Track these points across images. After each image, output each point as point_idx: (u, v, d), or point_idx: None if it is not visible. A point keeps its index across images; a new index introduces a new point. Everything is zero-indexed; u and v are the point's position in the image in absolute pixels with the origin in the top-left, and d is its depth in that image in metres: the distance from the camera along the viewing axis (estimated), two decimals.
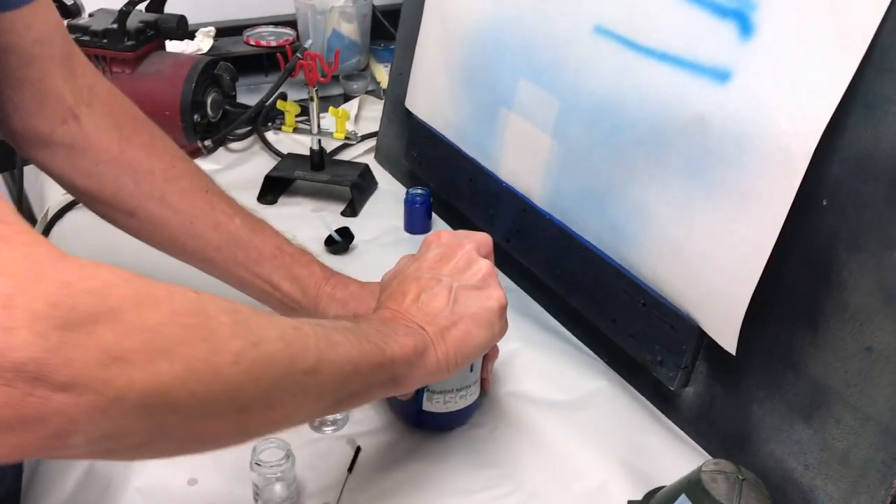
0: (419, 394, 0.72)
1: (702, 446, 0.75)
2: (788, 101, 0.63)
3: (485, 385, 0.76)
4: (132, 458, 0.46)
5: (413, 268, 0.66)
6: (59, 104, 0.74)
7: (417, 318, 0.62)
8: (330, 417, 0.74)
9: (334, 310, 0.76)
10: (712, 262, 0.69)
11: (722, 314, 0.69)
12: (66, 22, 1.21)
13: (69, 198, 1.06)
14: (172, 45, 1.31)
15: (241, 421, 0.45)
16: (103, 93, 0.78)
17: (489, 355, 0.75)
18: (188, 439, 0.44)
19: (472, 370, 0.71)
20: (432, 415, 0.73)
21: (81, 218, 1.04)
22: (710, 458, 0.70)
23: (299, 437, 0.72)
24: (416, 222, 1.05)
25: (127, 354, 0.37)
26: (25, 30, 0.70)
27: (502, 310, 0.66)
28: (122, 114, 0.78)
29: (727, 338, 0.69)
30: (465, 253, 0.67)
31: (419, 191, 1.04)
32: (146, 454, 0.44)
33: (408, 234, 1.05)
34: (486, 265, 0.67)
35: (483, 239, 0.69)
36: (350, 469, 0.70)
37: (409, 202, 1.03)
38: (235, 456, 0.68)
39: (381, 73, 1.43)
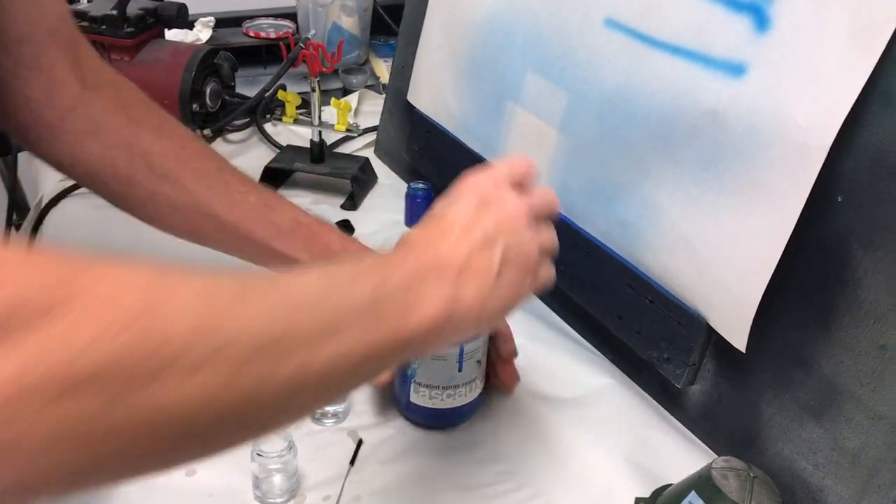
0: (408, 383, 0.71)
1: (708, 445, 0.74)
2: (805, 95, 0.62)
3: (508, 387, 0.77)
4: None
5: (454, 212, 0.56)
6: (68, 91, 0.73)
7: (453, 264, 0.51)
8: (331, 409, 0.73)
9: None
10: (724, 259, 0.68)
11: (732, 311, 0.68)
12: None
13: (63, 185, 1.04)
14: (171, 35, 1.30)
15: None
16: (108, 77, 0.76)
17: (507, 361, 0.75)
18: None
19: (460, 370, 0.70)
20: (419, 408, 0.72)
21: (76, 206, 1.02)
22: (716, 456, 0.69)
23: (300, 429, 0.71)
24: (418, 217, 1.03)
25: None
26: (40, 20, 0.70)
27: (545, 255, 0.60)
28: (129, 97, 0.77)
29: (737, 335, 0.68)
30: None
31: (421, 185, 1.03)
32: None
33: (408, 229, 1.04)
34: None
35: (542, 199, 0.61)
36: (352, 462, 0.69)
37: (410, 196, 1.02)
38: None
39: (381, 68, 1.42)
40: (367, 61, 1.47)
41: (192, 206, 0.74)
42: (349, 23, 1.40)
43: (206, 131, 1.16)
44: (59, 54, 0.72)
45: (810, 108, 0.61)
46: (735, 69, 0.67)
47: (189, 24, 1.33)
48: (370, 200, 1.10)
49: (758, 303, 0.65)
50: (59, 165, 0.77)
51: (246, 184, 0.77)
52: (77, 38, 0.74)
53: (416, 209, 1.03)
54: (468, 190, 0.57)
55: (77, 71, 0.73)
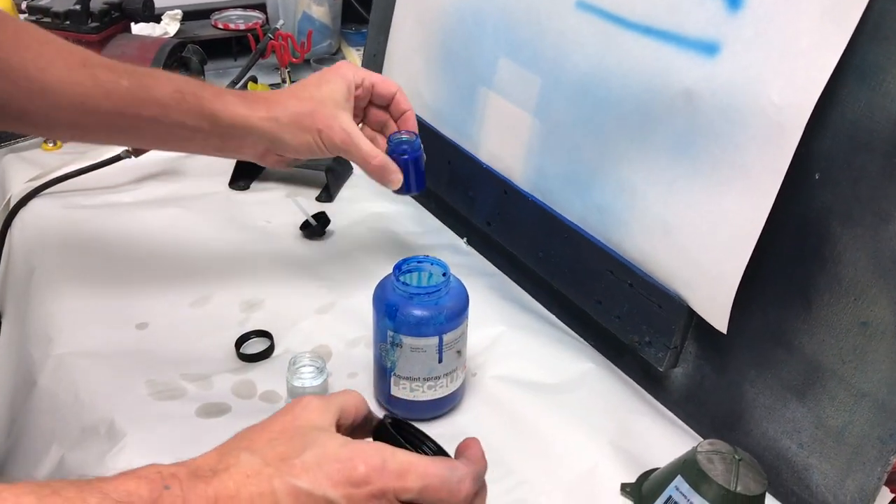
0: (388, 376, 0.70)
1: (692, 427, 0.74)
2: (779, 73, 0.61)
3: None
4: None
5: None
6: None
7: None
8: None
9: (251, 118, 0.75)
10: (702, 240, 0.68)
11: (712, 293, 0.68)
12: (25, 2, 1.17)
13: (32, 185, 1.02)
14: (138, 29, 1.28)
15: None
16: None
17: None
18: None
19: (440, 362, 0.69)
20: (400, 401, 0.72)
21: (45, 206, 1.00)
22: (700, 439, 0.69)
23: None
24: (405, 179, 0.80)
25: None
26: None
27: None
28: None
29: (718, 317, 0.68)
30: None
31: (403, 137, 0.81)
32: None
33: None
34: None
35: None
36: None
37: (392, 153, 0.80)
38: (217, 441, 0.66)
39: (353, 57, 1.40)
40: (339, 50, 1.45)
41: (69, 108, 0.73)
42: (320, 12, 1.38)
43: None
44: None
45: (785, 85, 0.61)
46: (708, 48, 0.66)
47: (156, 18, 1.31)
48: (346, 192, 1.09)
49: (737, 283, 0.65)
50: None
51: (115, 70, 0.74)
52: None
53: (402, 169, 0.80)
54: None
55: None
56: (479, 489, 0.51)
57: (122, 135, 0.79)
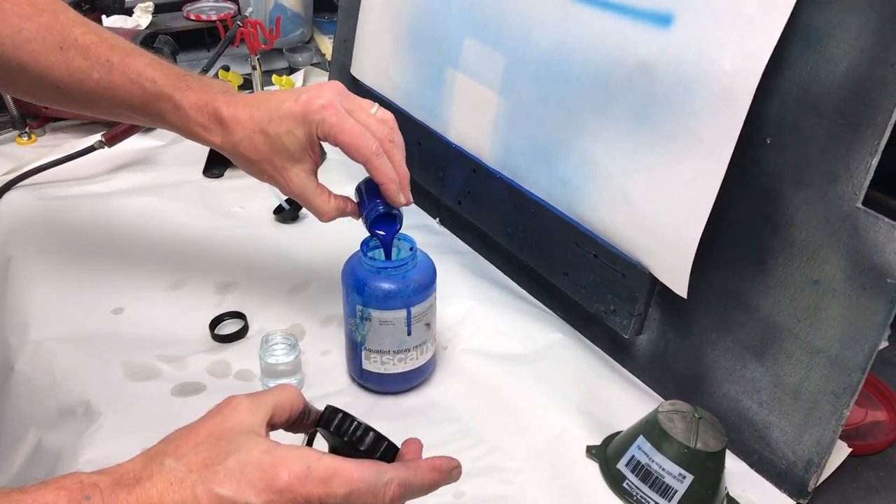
0: (359, 350, 0.72)
1: (657, 392, 0.75)
2: (730, 40, 0.63)
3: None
4: None
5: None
6: None
7: None
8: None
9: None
10: (660, 208, 0.69)
11: (672, 259, 0.69)
12: None
13: (6, 178, 1.03)
14: (110, 22, 1.28)
15: None
16: None
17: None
18: None
19: (409, 334, 0.71)
20: (372, 374, 0.73)
21: (20, 198, 1.01)
22: None
23: None
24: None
25: None
26: None
27: None
28: None
29: (678, 282, 0.69)
30: None
31: (383, 210, 0.73)
32: None
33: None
34: None
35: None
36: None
37: (370, 224, 0.74)
38: (192, 418, 0.67)
39: (326, 45, 1.41)
40: (311, 39, 1.46)
41: (46, 88, 0.73)
42: (291, 1, 1.39)
43: None
44: None
45: (735, 52, 0.62)
46: (662, 20, 0.67)
47: (127, 11, 1.31)
48: (320, 176, 1.09)
49: (695, 249, 0.66)
50: None
51: (90, 57, 0.71)
52: None
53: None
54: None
55: None
56: (406, 494, 0.50)
57: (105, 117, 0.78)
